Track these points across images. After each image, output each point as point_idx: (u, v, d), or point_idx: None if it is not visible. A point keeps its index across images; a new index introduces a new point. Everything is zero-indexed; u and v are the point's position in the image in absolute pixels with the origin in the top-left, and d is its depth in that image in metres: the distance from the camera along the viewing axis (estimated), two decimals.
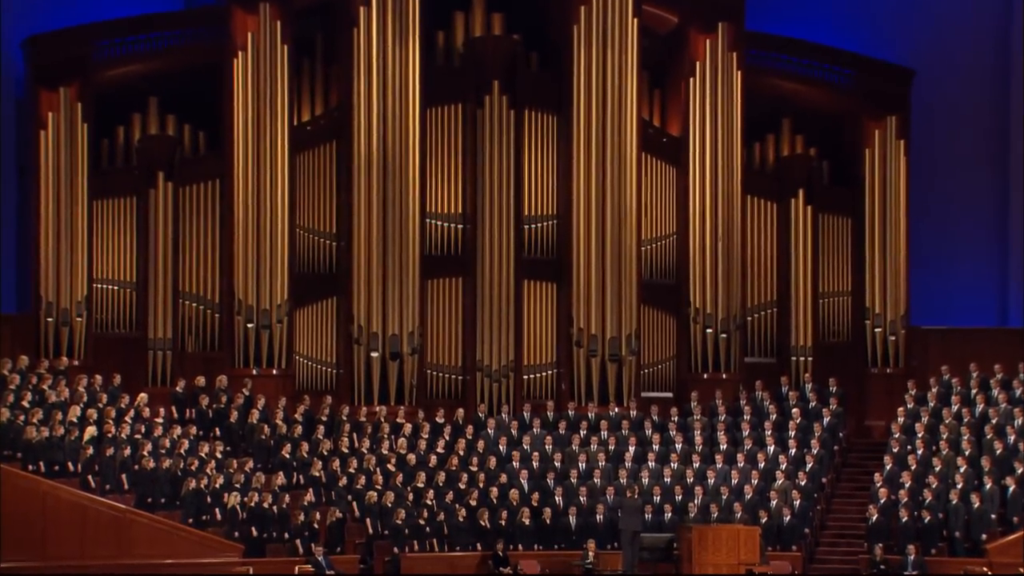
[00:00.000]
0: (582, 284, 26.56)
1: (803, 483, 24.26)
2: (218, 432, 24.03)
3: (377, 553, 22.88)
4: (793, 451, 24.85)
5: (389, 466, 23.85)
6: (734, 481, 24.34)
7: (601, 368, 26.42)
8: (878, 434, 26.77)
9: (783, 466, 24.49)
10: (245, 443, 24.04)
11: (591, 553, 23.08)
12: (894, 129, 27.46)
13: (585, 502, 24.02)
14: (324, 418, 24.60)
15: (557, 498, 24.11)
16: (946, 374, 25.51)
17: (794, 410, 25.55)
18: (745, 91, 27.05)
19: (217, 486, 22.45)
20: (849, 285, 27.80)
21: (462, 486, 23.84)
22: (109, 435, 22.55)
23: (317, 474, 23.42)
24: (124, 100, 25.86)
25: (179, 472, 22.52)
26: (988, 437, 24.08)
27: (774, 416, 25.57)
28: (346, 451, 24.04)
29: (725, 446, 25.00)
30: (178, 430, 23.40)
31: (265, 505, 22.37)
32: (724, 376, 26.78)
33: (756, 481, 24.25)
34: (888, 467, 24.30)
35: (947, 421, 24.64)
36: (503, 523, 23.43)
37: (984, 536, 22.93)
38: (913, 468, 24.00)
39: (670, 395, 26.97)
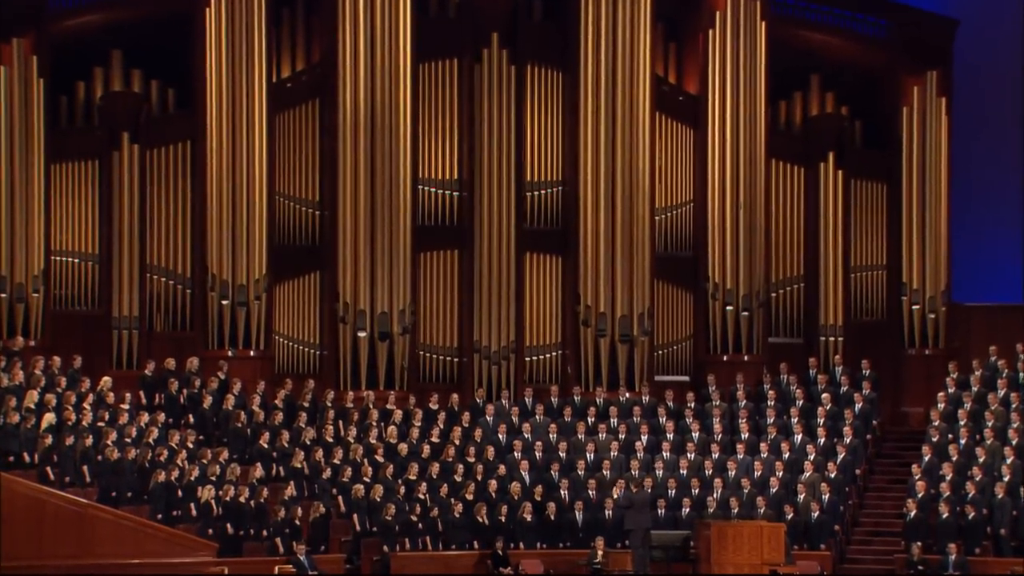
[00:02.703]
0: (590, 257, 26.52)
1: (833, 475, 24.23)
2: (190, 419, 24.03)
3: (364, 552, 22.87)
4: (822, 440, 24.84)
5: (378, 457, 23.84)
6: (757, 473, 24.33)
7: (611, 349, 26.37)
8: (916, 421, 26.76)
9: (811, 457, 24.46)
10: (220, 431, 24.04)
11: (599, 552, 23.07)
12: (934, 85, 27.36)
13: (593, 496, 23.98)
14: (306, 404, 24.61)
15: (562, 492, 24.11)
16: (992, 355, 25.44)
17: (823, 395, 25.54)
18: (770, 44, 26.97)
19: (189, 479, 22.41)
20: (884, 258, 27.77)
21: (458, 479, 23.82)
22: (69, 423, 22.51)
23: (299, 465, 23.39)
24: (84, 53, 25.74)
25: (147, 463, 22.46)
26: None
27: (801, 402, 25.57)
28: (331, 440, 24.03)
29: (747, 435, 25.00)
30: (146, 417, 23.38)
31: (242, 499, 22.33)
32: (746, 358, 26.75)
33: (781, 473, 24.26)
34: (927, 458, 24.27)
35: (993, 407, 24.57)
36: (503, 519, 23.44)
37: None
38: (955, 459, 23.95)
39: (686, 379, 26.98)
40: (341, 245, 25.85)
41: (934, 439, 24.50)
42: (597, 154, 26.50)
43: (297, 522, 22.38)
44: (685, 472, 24.40)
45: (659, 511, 23.74)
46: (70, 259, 25.49)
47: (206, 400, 24.08)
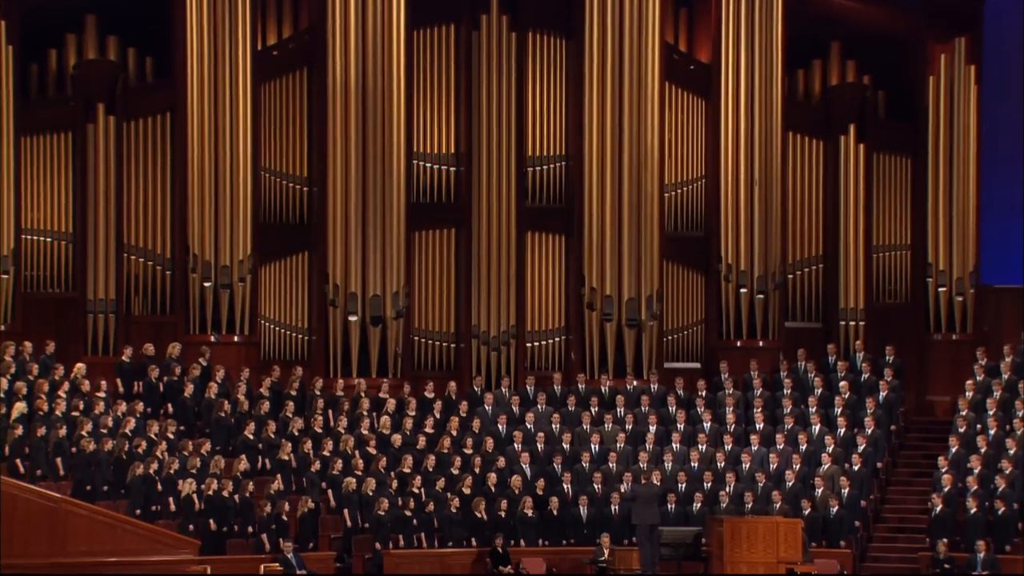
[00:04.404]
0: (595, 236, 26.54)
1: (854, 468, 24.23)
2: (170, 409, 24.08)
3: (356, 549, 22.90)
4: (842, 431, 24.84)
5: (370, 449, 23.84)
6: (772, 466, 24.37)
7: (617, 334, 26.39)
8: (942, 411, 26.80)
9: (830, 448, 24.48)
10: (202, 422, 24.11)
11: (605, 549, 23.09)
12: (963, 53, 27.33)
13: (598, 490, 24.00)
14: (294, 392, 24.64)
15: (565, 486, 24.12)
16: None
17: (843, 383, 25.55)
18: (787, 9, 26.98)
19: (169, 472, 22.42)
20: (908, 237, 27.77)
21: (455, 472, 23.83)
22: (41, 412, 22.57)
23: (286, 458, 23.42)
24: (56, 18, 25.76)
25: (124, 455, 22.49)
26: None
27: (819, 390, 25.59)
28: (320, 431, 24.06)
29: (762, 425, 25.03)
30: (123, 406, 23.43)
31: (225, 494, 22.36)
32: (761, 344, 26.79)
33: (798, 466, 24.26)
34: (954, 450, 24.27)
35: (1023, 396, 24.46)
36: (502, 515, 23.47)
37: None
38: (983, 451, 23.96)
39: (697, 366, 27.05)
40: (331, 223, 25.86)
41: (961, 430, 24.48)
42: (603, 127, 26.52)
43: (284, 518, 22.40)
44: (696, 465, 24.39)
45: (668, 506, 23.75)
46: (42, 238, 25.50)
47: (187, 388, 24.11)
